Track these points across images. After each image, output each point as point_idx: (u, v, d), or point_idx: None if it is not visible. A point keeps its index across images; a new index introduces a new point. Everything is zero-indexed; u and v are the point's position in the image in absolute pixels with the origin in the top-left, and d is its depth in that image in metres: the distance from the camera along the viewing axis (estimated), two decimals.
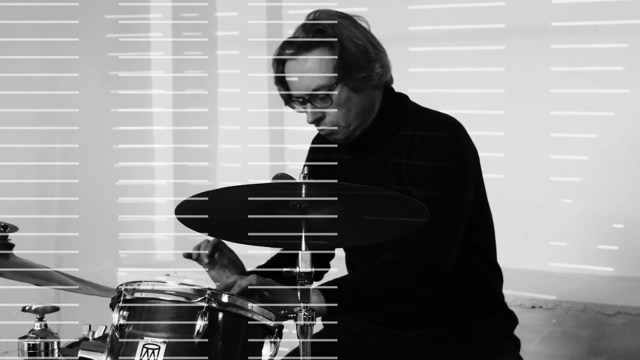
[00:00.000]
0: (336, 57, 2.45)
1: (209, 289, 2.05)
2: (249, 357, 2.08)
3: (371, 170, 2.57)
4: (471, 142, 2.54)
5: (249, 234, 2.12)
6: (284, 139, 4.73)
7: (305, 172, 2.04)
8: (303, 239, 2.03)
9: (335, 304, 2.31)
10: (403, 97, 2.61)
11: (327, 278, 2.52)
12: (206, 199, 2.01)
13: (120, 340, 2.06)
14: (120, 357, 2.05)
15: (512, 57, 4.18)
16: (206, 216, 2.08)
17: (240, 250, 2.51)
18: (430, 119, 2.54)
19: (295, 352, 2.42)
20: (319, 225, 2.07)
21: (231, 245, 2.56)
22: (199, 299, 2.03)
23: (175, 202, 2.06)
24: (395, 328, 2.60)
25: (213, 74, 4.83)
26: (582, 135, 4.07)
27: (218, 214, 2.09)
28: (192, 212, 2.07)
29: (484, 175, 2.60)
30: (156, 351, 2.01)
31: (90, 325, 2.19)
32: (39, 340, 2.24)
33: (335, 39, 2.45)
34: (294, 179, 2.13)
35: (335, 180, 2.21)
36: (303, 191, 1.98)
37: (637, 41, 3.95)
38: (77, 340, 2.22)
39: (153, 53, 4.70)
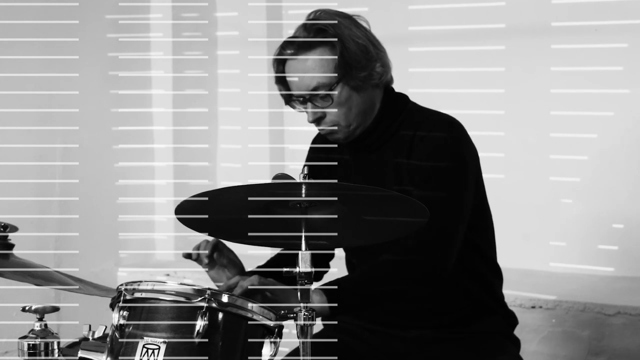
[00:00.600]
0: (337, 56, 2.45)
1: (209, 289, 2.05)
2: (249, 357, 2.07)
3: (371, 170, 2.57)
4: (471, 142, 2.54)
5: (249, 234, 2.12)
6: (284, 139, 4.73)
7: (305, 172, 2.04)
8: (303, 239, 2.03)
9: (336, 304, 2.31)
10: (403, 97, 2.61)
11: (327, 278, 2.52)
12: (206, 199, 2.01)
13: (120, 340, 2.06)
14: (120, 357, 2.05)
15: (512, 57, 4.18)
16: (206, 216, 2.08)
17: (240, 250, 2.51)
18: (430, 119, 2.54)
19: (295, 352, 2.42)
20: (319, 225, 2.07)
21: (231, 245, 2.56)
22: (199, 299, 2.03)
23: (175, 202, 2.06)
24: (395, 328, 2.60)
25: (213, 74, 4.83)
26: (582, 135, 4.07)
27: (218, 214, 2.09)
28: (192, 212, 2.07)
29: (484, 175, 2.60)
30: (156, 351, 2.01)
31: (90, 325, 2.19)
32: (39, 340, 2.24)
33: (336, 39, 2.45)
34: (294, 179, 2.13)
35: (335, 180, 2.21)
36: (303, 191, 1.98)
37: (637, 41, 3.95)
38: (77, 340, 2.22)
39: (153, 53, 4.70)
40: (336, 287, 2.33)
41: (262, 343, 2.09)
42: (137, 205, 4.65)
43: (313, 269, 2.01)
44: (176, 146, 4.71)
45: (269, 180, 2.08)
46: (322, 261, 2.73)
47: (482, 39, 4.24)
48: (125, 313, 2.06)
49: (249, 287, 2.31)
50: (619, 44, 3.99)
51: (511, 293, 3.35)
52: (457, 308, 2.59)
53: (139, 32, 4.64)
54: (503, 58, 4.20)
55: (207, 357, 2.02)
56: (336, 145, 2.62)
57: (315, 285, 2.17)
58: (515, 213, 4.07)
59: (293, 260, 2.02)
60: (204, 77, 4.78)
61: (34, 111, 4.17)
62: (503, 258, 2.70)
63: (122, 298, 2.08)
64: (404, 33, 4.38)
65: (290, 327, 2.08)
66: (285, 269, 2.02)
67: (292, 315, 2.04)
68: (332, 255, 2.79)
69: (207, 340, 2.02)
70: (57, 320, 2.54)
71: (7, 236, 2.33)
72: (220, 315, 2.05)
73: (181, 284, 2.07)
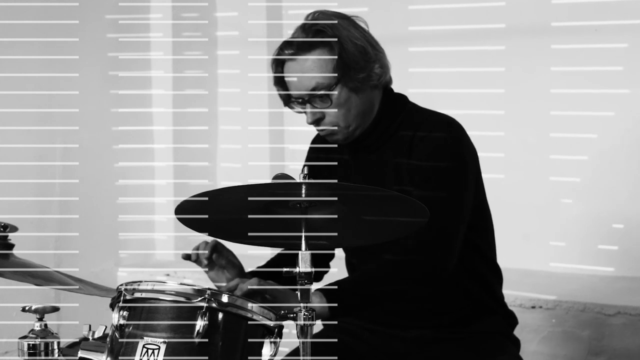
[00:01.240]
0: (335, 57, 2.45)
1: (209, 289, 2.05)
2: (249, 357, 2.08)
3: (371, 171, 2.57)
4: (470, 142, 2.55)
5: (249, 234, 2.12)
6: (284, 139, 4.73)
7: (305, 172, 2.04)
8: (303, 239, 2.03)
9: (336, 305, 2.31)
10: (402, 98, 2.61)
11: (327, 278, 2.52)
12: (206, 199, 2.01)
13: (120, 340, 2.06)
14: (120, 357, 2.05)
15: (512, 57, 4.18)
16: (206, 216, 2.09)
17: (240, 250, 2.51)
18: (429, 119, 2.54)
19: (295, 352, 2.42)
20: (319, 225, 2.07)
21: (231, 245, 2.56)
22: (199, 299, 2.03)
23: (175, 202, 2.06)
24: (395, 328, 2.60)
25: (213, 74, 4.83)
26: (582, 135, 4.07)
27: (218, 214, 2.09)
28: (192, 212, 2.07)
29: (484, 175, 2.60)
30: (156, 351, 2.01)
31: (90, 325, 2.19)
32: (39, 340, 2.24)
33: (335, 39, 2.45)
34: (294, 179, 2.13)
35: (335, 180, 2.21)
36: (303, 191, 1.99)
37: (637, 41, 3.95)
38: (77, 340, 2.22)
39: (153, 53, 4.70)
40: (336, 287, 2.33)
41: (262, 343, 2.09)
42: (137, 205, 4.65)
43: (313, 269, 2.01)
44: (176, 146, 4.71)
45: (269, 180, 2.08)
46: (322, 261, 2.73)
47: (482, 39, 4.24)
48: (125, 313, 2.06)
49: (249, 288, 2.31)
50: (619, 44, 3.99)
51: (511, 293, 3.35)
52: (457, 308, 2.59)
53: (139, 32, 4.64)
54: (503, 58, 4.20)
55: (207, 357, 2.02)
56: (336, 146, 2.62)
57: (315, 285, 2.17)
58: (515, 213, 4.07)
59: (293, 261, 2.02)
60: (204, 77, 4.78)
61: (34, 111, 4.17)
62: (503, 258, 2.70)
63: (122, 298, 2.08)
64: (404, 33, 4.38)
65: (290, 327, 2.08)
66: (285, 269, 2.02)
67: (292, 316, 2.04)
68: (332, 256, 2.79)
69: (207, 340, 2.02)
70: (57, 320, 2.54)
71: (7, 236, 2.33)
72: (220, 315, 2.05)
73: (181, 284, 2.07)
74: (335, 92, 2.47)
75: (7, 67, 4.03)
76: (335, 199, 2.02)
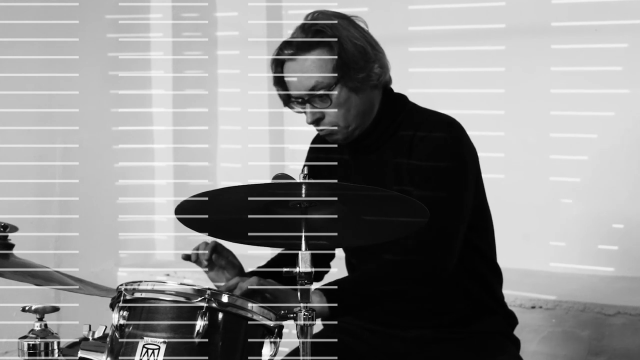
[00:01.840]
0: (335, 57, 2.45)
1: (209, 289, 2.05)
2: (249, 357, 2.08)
3: (371, 171, 2.57)
4: (470, 142, 2.55)
5: (249, 234, 2.12)
6: (284, 139, 4.73)
7: (305, 172, 2.04)
8: (303, 239, 2.03)
9: (336, 304, 2.31)
10: (402, 98, 2.61)
11: (327, 278, 2.52)
12: (206, 199, 2.01)
13: (120, 340, 2.06)
14: (120, 357, 2.05)
15: (512, 57, 4.18)
16: (206, 216, 2.08)
17: (240, 250, 2.51)
18: (429, 119, 2.54)
19: (295, 352, 2.42)
20: (319, 225, 2.07)
21: (231, 245, 2.56)
22: (199, 299, 2.03)
23: (175, 202, 2.06)
24: (395, 328, 2.60)
25: (213, 74, 4.83)
26: (582, 135, 4.07)
27: (218, 214, 2.09)
28: (192, 212, 2.07)
29: (484, 175, 2.60)
30: (156, 351, 2.01)
31: (90, 325, 2.19)
32: (39, 340, 2.24)
33: (335, 39, 2.45)
34: (294, 179, 2.13)
35: (335, 180, 2.21)
36: (303, 191, 1.99)
37: (637, 41, 3.95)
38: (77, 340, 2.22)
39: (153, 53, 4.70)
40: (336, 287, 2.33)
41: (262, 343, 2.09)
42: (137, 205, 4.65)
43: (313, 269, 2.01)
44: (176, 146, 4.71)
45: (269, 180, 2.08)
46: (322, 261, 2.73)
47: (482, 39, 4.24)
48: (125, 313, 2.06)
49: (249, 287, 2.31)
50: (619, 44, 3.99)
51: (511, 293, 3.35)
52: (457, 308, 2.59)
53: (139, 32, 4.64)
54: (503, 58, 4.20)
55: (207, 357, 2.02)
56: (336, 146, 2.62)
57: (315, 285, 2.17)
58: (515, 213, 4.07)
59: (293, 261, 2.02)
60: (204, 77, 4.78)
61: (34, 111, 4.17)
62: (503, 258, 2.70)
63: (122, 298, 2.08)
64: (404, 33, 4.38)
65: (290, 327, 2.08)
66: (285, 269, 2.02)
67: (292, 315, 2.04)
68: (332, 256, 2.79)
69: (207, 340, 2.02)
70: (57, 320, 2.54)
71: (7, 236, 2.33)
72: (220, 315, 2.05)
73: (181, 284, 2.07)
74: (335, 92, 2.47)
75: (7, 67, 4.03)
76: (335, 199, 2.02)
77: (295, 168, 2.13)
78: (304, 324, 2.00)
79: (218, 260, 2.59)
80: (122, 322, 2.05)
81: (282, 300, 2.30)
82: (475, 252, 2.58)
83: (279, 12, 4.72)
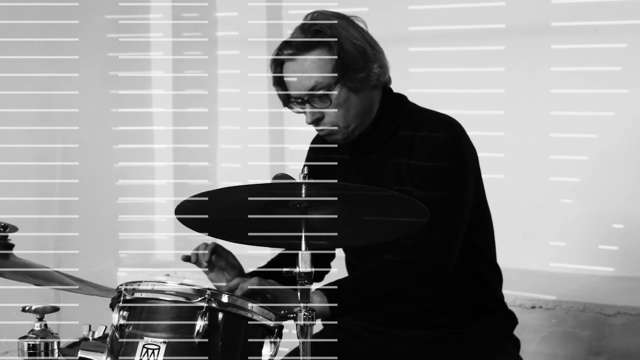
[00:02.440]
0: (335, 57, 2.45)
1: (209, 289, 2.05)
2: (249, 357, 2.08)
3: (371, 171, 2.57)
4: (470, 143, 2.55)
5: (249, 234, 2.12)
6: (284, 139, 4.73)
7: (305, 172, 2.04)
8: (303, 239, 2.03)
9: (336, 304, 2.31)
10: (401, 98, 2.61)
11: (327, 278, 2.52)
12: (206, 199, 2.01)
13: (120, 340, 2.06)
14: (120, 357, 2.05)
15: (512, 57, 4.18)
16: (206, 216, 2.09)
17: (240, 250, 2.51)
18: (429, 119, 2.54)
19: (295, 352, 2.42)
20: (319, 225, 2.07)
21: (231, 245, 2.56)
22: (199, 299, 2.03)
23: (175, 202, 2.06)
24: (395, 328, 2.60)
25: (213, 74, 4.83)
26: (582, 135, 4.07)
27: (218, 214, 2.09)
28: (192, 212, 2.07)
29: (484, 175, 2.60)
30: (156, 351, 2.01)
31: (90, 325, 2.19)
32: (39, 340, 2.24)
33: (334, 39, 2.45)
34: (294, 179, 2.13)
35: (335, 180, 2.21)
36: (303, 191, 1.99)
37: (637, 41, 3.95)
38: (77, 340, 2.22)
39: (153, 53, 4.70)
40: (336, 287, 2.33)
41: (262, 343, 2.09)
42: (137, 205, 4.65)
43: (313, 269, 2.01)
44: (176, 146, 4.71)
45: (269, 180, 2.08)
46: (323, 261, 2.73)
47: (482, 39, 4.24)
48: (125, 313, 2.06)
49: (249, 288, 2.31)
50: (619, 44, 3.99)
51: (511, 293, 3.35)
52: (457, 308, 2.59)
53: (139, 32, 4.64)
54: (503, 58, 4.20)
55: (207, 357, 2.02)
56: (336, 146, 2.62)
57: (316, 285, 2.17)
58: (515, 213, 4.07)
59: (294, 261, 2.02)
60: (204, 77, 4.79)
61: (34, 111, 4.17)
62: (503, 258, 2.70)
63: (122, 298, 2.08)
64: (404, 33, 4.38)
65: (290, 327, 2.08)
66: (285, 269, 2.02)
67: (292, 316, 2.04)
68: (332, 256, 2.79)
69: (207, 340, 2.02)
70: (57, 320, 2.54)
71: (7, 236, 2.33)
72: (220, 315, 2.05)
73: (181, 284, 2.07)
74: (335, 92, 2.47)
75: (7, 67, 4.03)
76: (335, 199, 2.02)
77: (295, 168, 2.13)
78: (304, 324, 2.00)
79: (218, 261, 2.59)
80: (122, 322, 2.05)
81: (283, 300, 2.30)
82: (475, 252, 2.58)
83: (279, 12, 4.72)
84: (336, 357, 2.35)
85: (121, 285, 2.11)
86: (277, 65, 2.52)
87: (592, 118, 4.03)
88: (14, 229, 2.33)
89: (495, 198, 2.73)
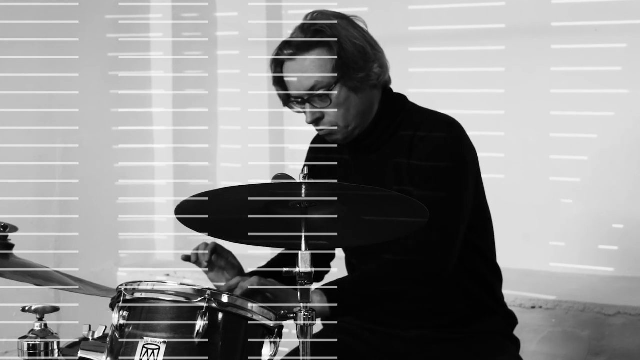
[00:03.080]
0: (335, 57, 2.45)
1: (209, 289, 2.05)
2: (249, 357, 2.08)
3: (371, 171, 2.57)
4: (470, 143, 2.55)
5: (249, 234, 2.12)
6: (284, 139, 4.73)
7: (305, 172, 2.04)
8: (303, 239, 2.03)
9: (336, 304, 2.31)
10: (401, 98, 2.61)
11: (327, 278, 2.52)
12: (206, 199, 2.01)
13: (120, 340, 2.06)
14: (120, 357, 2.05)
15: (512, 57, 4.18)
16: (206, 216, 2.09)
17: (240, 250, 2.51)
18: (429, 119, 2.54)
19: (295, 352, 2.42)
20: (319, 225, 2.07)
21: (231, 245, 2.56)
22: (199, 299, 2.03)
23: (175, 202, 2.06)
24: (395, 328, 2.60)
25: (213, 74, 4.83)
26: (582, 135, 4.07)
27: (218, 214, 2.09)
28: (192, 212, 2.07)
29: (484, 175, 2.60)
30: (156, 351, 2.01)
31: (90, 325, 2.19)
32: (39, 340, 2.24)
33: (334, 39, 2.45)
34: (294, 179, 2.13)
35: (335, 180, 2.21)
36: (303, 191, 1.99)
37: (637, 41, 3.95)
38: (77, 340, 2.22)
39: (153, 53, 4.70)
40: (336, 287, 2.33)
41: (262, 343, 2.09)
42: (137, 205, 4.65)
43: (313, 269, 2.01)
44: (176, 146, 4.71)
45: (269, 181, 2.08)
46: (323, 261, 2.73)
47: (482, 39, 4.24)
48: (125, 313, 2.06)
49: (249, 287, 2.31)
50: (619, 44, 3.99)
51: (511, 293, 3.35)
52: (457, 308, 2.59)
53: (139, 32, 4.64)
54: (503, 58, 4.20)
55: (207, 357, 2.02)
56: (336, 146, 2.62)
57: (316, 285, 2.17)
58: (515, 213, 4.07)
59: (294, 261, 2.02)
60: (204, 77, 4.79)
61: (34, 111, 4.17)
62: (503, 258, 2.70)
63: (122, 298, 2.08)
64: (404, 33, 4.38)
65: (290, 327, 2.08)
66: (285, 269, 2.02)
67: (292, 315, 2.04)
68: (332, 256, 2.79)
69: (207, 340, 2.02)
70: (57, 320, 2.54)
71: (7, 236, 2.33)
72: (220, 316, 2.05)
73: (181, 284, 2.07)
74: (335, 92, 2.47)
75: (7, 67, 4.03)
76: (335, 199, 2.02)
77: (295, 168, 2.13)
78: (304, 324, 2.00)
79: (218, 261, 2.59)
80: (122, 322, 2.05)
81: (283, 300, 2.30)
82: (475, 252, 2.58)
83: (279, 12, 4.72)
84: (336, 357, 2.35)
85: (121, 285, 2.11)
86: (277, 65, 2.52)
87: (592, 118, 4.03)
88: (14, 229, 2.33)
89: (495, 198, 2.73)
